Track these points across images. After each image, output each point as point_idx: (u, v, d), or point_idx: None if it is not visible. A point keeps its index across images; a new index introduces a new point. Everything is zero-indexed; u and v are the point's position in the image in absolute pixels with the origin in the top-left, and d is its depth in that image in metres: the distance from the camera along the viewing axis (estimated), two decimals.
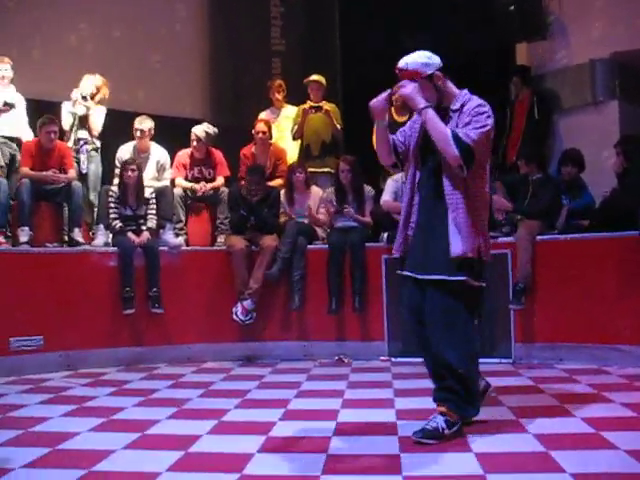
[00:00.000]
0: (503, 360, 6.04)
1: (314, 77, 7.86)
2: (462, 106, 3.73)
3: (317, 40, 10.42)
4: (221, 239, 7.00)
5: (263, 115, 8.07)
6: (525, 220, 6.25)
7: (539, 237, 6.13)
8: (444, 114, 3.75)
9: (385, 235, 6.51)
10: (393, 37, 9.27)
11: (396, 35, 9.22)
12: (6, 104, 7.06)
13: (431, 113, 3.69)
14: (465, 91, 3.82)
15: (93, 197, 7.25)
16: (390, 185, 6.70)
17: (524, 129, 7.88)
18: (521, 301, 5.99)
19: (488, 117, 3.68)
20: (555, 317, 6.03)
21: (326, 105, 7.77)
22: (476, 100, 3.75)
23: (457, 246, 3.62)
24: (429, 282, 3.73)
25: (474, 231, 3.67)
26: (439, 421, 3.70)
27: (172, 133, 7.68)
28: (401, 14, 9.30)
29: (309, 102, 7.81)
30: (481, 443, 3.60)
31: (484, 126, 3.64)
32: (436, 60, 3.79)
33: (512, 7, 8.08)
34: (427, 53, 3.80)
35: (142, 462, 3.47)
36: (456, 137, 3.58)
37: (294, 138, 7.83)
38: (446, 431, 3.68)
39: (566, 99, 8.14)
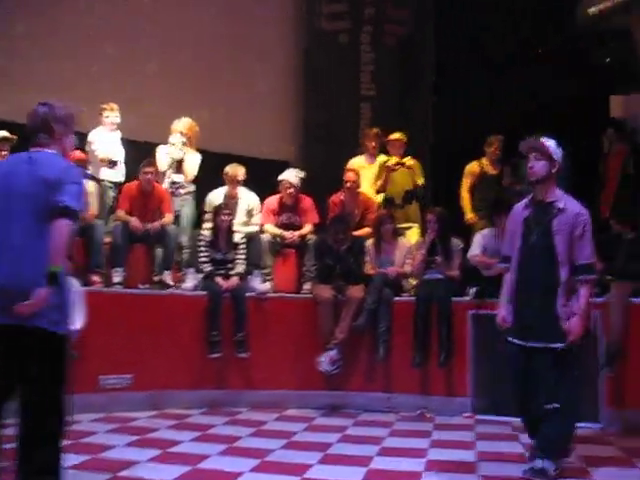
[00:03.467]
0: (592, 425, 5.85)
1: (395, 135, 7.92)
2: (565, 207, 4.38)
3: (409, 87, 10.50)
4: (307, 286, 7.06)
5: (357, 160, 8.14)
6: (618, 281, 6.08)
7: (634, 299, 5.96)
8: (547, 207, 4.41)
9: (473, 289, 6.45)
10: (488, 85, 9.32)
11: (491, 84, 9.26)
12: (110, 161, 7.41)
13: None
14: (558, 189, 4.47)
15: (185, 240, 7.44)
16: (478, 239, 6.65)
17: (618, 185, 7.70)
18: (613, 366, 5.83)
19: (590, 230, 4.39)
20: None
21: (409, 161, 7.83)
22: (580, 208, 4.41)
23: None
24: None
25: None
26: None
27: (259, 176, 7.82)
28: (496, 63, 9.33)
29: (393, 158, 7.86)
30: None
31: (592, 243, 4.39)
32: (560, 154, 4.43)
33: (608, 59, 7.97)
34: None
35: None
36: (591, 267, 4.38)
37: (377, 192, 7.87)
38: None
39: None
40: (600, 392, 5.96)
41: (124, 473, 4.31)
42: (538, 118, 8.40)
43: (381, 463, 4.68)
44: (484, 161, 7.89)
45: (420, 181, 7.84)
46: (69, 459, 4.43)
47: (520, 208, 4.58)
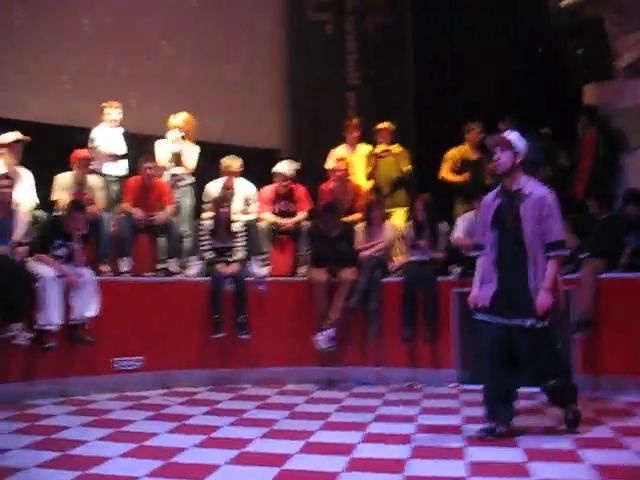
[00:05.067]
0: None
1: (382, 125, 8.43)
2: (531, 192, 4.74)
3: (391, 75, 10.89)
4: (302, 270, 7.56)
5: (340, 151, 8.62)
6: (589, 258, 6.60)
7: (602, 275, 6.47)
8: (515, 195, 4.76)
9: (457, 270, 6.96)
10: (467, 72, 9.75)
11: (469, 70, 9.69)
12: (115, 156, 7.87)
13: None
14: (524, 176, 4.84)
15: (186, 229, 7.89)
16: (460, 223, 7.14)
17: (591, 167, 8.14)
18: (584, 331, 6.35)
19: (557, 208, 4.74)
20: (618, 350, 6.32)
21: (395, 149, 8.35)
22: (545, 191, 4.77)
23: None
24: None
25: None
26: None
27: (251, 164, 8.25)
28: (475, 53, 9.73)
29: (380, 146, 8.36)
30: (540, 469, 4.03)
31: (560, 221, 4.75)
32: (523, 145, 4.81)
33: (579, 51, 8.41)
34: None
35: (245, 477, 4.01)
36: (561, 244, 4.71)
37: (367, 179, 8.38)
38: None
39: (633, 138, 8.39)
40: (573, 360, 6.47)
41: (147, 443, 4.78)
42: (517, 104, 8.86)
43: (376, 428, 5.18)
44: (465, 147, 8.39)
45: (406, 168, 8.33)
46: (94, 433, 4.96)
47: (490, 198, 4.94)
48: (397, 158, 8.34)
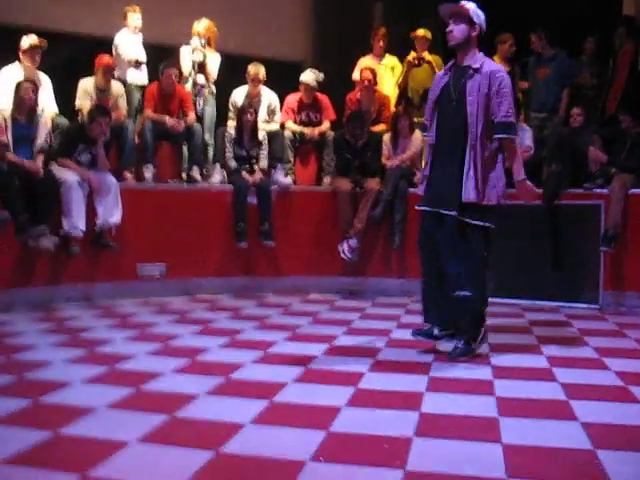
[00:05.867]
0: (591, 306, 6.37)
1: (420, 32, 8.16)
2: (481, 67, 4.33)
3: None
4: (326, 180, 7.49)
5: (366, 61, 8.42)
6: (619, 173, 6.47)
7: (632, 190, 6.36)
8: (464, 71, 4.35)
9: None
10: None
11: None
12: (137, 62, 7.73)
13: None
14: (481, 53, 4.43)
15: (208, 137, 7.80)
16: None
17: (626, 82, 7.90)
18: (611, 245, 6.25)
19: (509, 87, 4.33)
20: None
21: (429, 57, 8.10)
22: (496, 66, 4.41)
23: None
24: None
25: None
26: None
27: (276, 76, 8.12)
28: None
29: (413, 53, 8.13)
30: (565, 374, 4.04)
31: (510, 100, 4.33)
32: (481, 17, 4.41)
33: None
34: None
35: (271, 374, 4.05)
36: (510, 126, 4.30)
37: (399, 88, 8.18)
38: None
39: None
40: (600, 276, 6.44)
41: (172, 343, 4.84)
42: (551, 15, 8.60)
43: (399, 334, 5.21)
44: (496, 58, 8.13)
45: None
46: (120, 334, 5.02)
47: (440, 75, 4.59)
48: (432, 66, 8.10)
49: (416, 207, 4.67)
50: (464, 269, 4.37)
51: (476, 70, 4.32)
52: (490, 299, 6.30)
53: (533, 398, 3.62)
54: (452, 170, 4.32)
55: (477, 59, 4.37)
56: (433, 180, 4.48)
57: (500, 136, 4.32)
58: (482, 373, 4.11)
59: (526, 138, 7.07)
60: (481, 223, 4.33)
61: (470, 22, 4.34)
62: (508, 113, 4.28)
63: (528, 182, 4.45)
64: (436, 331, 4.62)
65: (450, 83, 4.41)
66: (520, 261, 6.62)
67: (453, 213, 4.32)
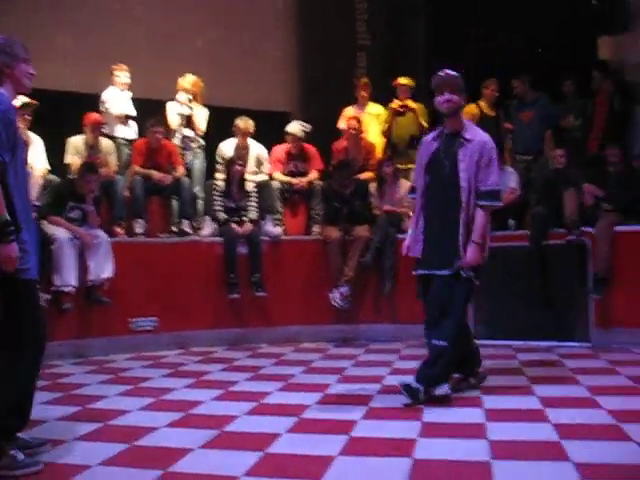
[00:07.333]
0: (583, 344, 6.40)
1: (403, 80, 8.32)
2: (473, 137, 4.50)
3: (402, 34, 10.77)
4: (316, 229, 7.55)
5: (350, 111, 8.56)
6: (608, 211, 6.53)
7: (619, 228, 6.43)
8: (455, 138, 4.52)
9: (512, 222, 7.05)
10: (481, 31, 9.65)
11: (484, 28, 9.60)
12: (127, 117, 7.85)
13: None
14: (469, 121, 4.73)
15: (198, 190, 7.89)
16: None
17: (605, 122, 8.04)
18: (600, 291, 6.33)
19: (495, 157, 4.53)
20: (635, 303, 6.32)
21: (413, 105, 8.23)
22: (486, 137, 4.54)
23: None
24: None
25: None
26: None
27: (262, 126, 8.18)
28: (487, 8, 9.64)
29: (396, 101, 8.27)
30: (557, 414, 4.05)
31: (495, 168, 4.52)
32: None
33: (595, 1, 8.31)
34: None
35: (264, 426, 4.04)
36: (497, 194, 4.51)
37: (384, 136, 8.30)
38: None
39: None
40: (590, 314, 6.49)
41: (166, 397, 4.83)
42: (531, 61, 8.80)
43: (394, 380, 5.18)
44: (482, 103, 8.32)
45: (425, 124, 8.23)
46: (113, 389, 5.02)
47: (429, 140, 4.69)
48: (415, 115, 8.25)
49: (413, 272, 4.78)
50: (446, 321, 4.46)
51: (468, 140, 4.49)
52: (482, 341, 6.42)
53: (526, 440, 3.63)
54: (444, 233, 4.48)
55: (466, 127, 4.57)
56: (427, 243, 4.59)
57: (484, 204, 4.45)
58: (475, 416, 4.12)
59: (510, 180, 7.19)
60: (472, 274, 4.46)
61: (461, 91, 4.53)
62: (495, 183, 4.48)
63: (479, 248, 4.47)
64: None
65: (441, 149, 4.57)
66: (510, 302, 6.67)
67: (446, 272, 4.46)
